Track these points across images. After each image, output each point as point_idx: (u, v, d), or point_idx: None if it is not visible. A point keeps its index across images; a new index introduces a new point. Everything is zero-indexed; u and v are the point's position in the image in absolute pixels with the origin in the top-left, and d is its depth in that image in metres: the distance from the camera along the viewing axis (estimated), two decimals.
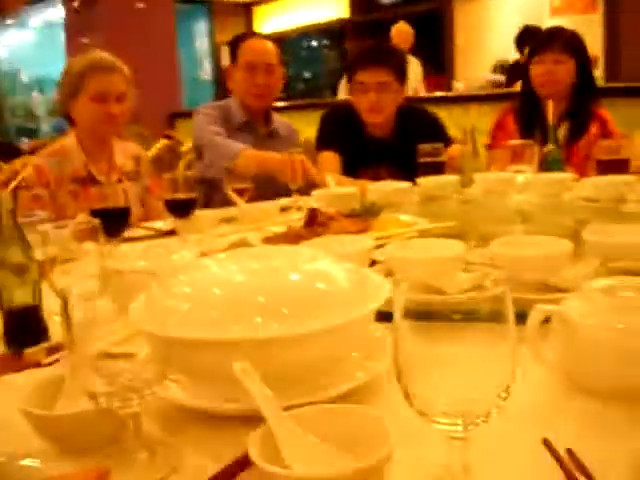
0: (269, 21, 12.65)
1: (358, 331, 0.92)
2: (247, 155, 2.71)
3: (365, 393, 0.90)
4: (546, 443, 0.76)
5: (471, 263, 1.33)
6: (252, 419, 0.72)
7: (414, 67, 6.97)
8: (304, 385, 0.86)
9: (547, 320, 0.93)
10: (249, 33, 3.44)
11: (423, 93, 6.81)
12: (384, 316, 0.94)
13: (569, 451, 0.75)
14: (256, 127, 3.06)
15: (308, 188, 2.40)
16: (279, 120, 3.19)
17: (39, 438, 0.85)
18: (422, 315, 0.65)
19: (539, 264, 1.20)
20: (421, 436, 0.74)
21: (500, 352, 0.65)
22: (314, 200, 2.08)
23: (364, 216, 1.78)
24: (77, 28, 7.89)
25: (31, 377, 1.12)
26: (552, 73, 2.96)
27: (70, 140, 2.50)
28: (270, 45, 3.05)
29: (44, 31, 11.38)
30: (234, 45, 3.07)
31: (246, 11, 12.77)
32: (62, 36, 8.83)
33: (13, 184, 1.30)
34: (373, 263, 1.41)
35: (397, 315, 0.66)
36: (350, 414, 0.73)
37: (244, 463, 0.74)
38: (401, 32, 7.05)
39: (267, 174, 2.54)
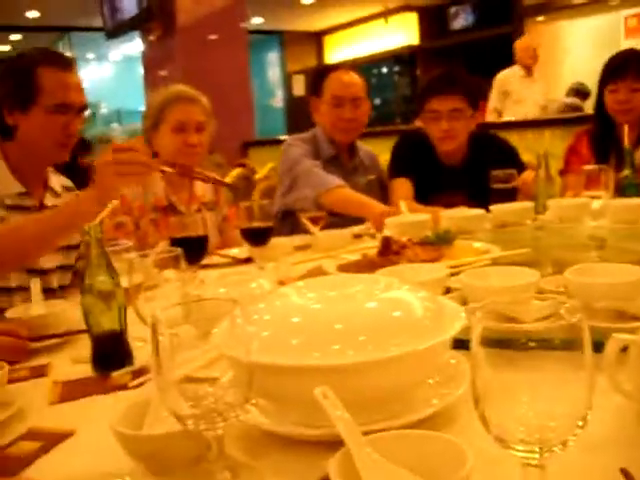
0: (339, 50, 12.79)
1: (434, 358, 0.93)
2: (341, 193, 2.75)
3: (441, 420, 0.91)
4: (624, 472, 0.76)
5: (545, 291, 1.33)
6: (332, 445, 0.75)
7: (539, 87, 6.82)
8: (381, 411, 0.88)
9: (625, 349, 0.92)
10: (335, 65, 3.42)
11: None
12: (460, 344, 0.96)
13: None
14: (342, 160, 3.06)
15: None
16: (363, 149, 3.19)
17: (128, 457, 0.89)
18: (499, 343, 0.66)
19: (614, 292, 1.19)
20: (497, 463, 0.76)
21: (577, 380, 0.65)
22: (388, 228, 2.10)
23: (437, 244, 1.79)
24: (154, 61, 8.16)
25: (117, 399, 1.17)
26: (629, 102, 2.92)
27: None
28: (357, 78, 3.04)
29: (123, 64, 11.83)
30: (319, 77, 3.07)
31: (317, 40, 12.97)
32: (140, 69, 9.15)
33: (103, 214, 1.37)
34: (448, 291, 1.43)
35: (474, 342, 0.67)
36: (427, 440, 0.75)
37: None
38: (523, 48, 6.85)
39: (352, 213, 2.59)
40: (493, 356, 0.66)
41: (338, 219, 2.60)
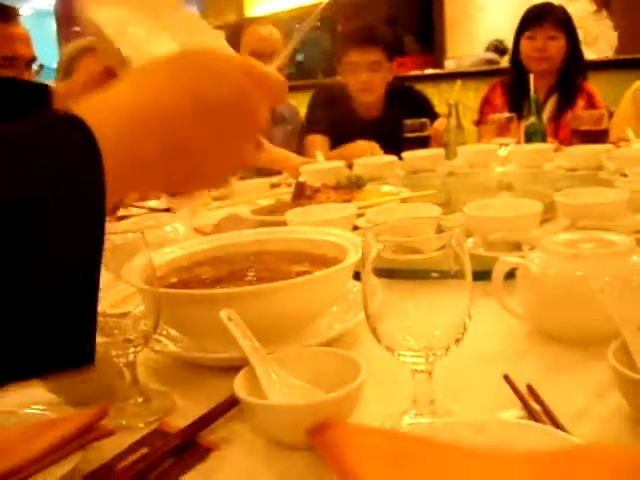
0: (260, 4, 12.61)
1: (334, 286, 0.99)
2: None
3: (344, 342, 0.97)
4: (507, 379, 0.84)
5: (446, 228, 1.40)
6: (239, 369, 0.80)
7: None
8: (286, 337, 0.93)
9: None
10: (251, 19, 3.37)
11: None
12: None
13: (528, 386, 0.82)
14: None
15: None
16: (284, 103, 3.21)
17: (43, 389, 0.92)
18: (390, 272, 0.72)
19: (509, 224, 1.27)
20: (391, 375, 0.82)
21: (459, 299, 0.72)
22: (303, 174, 2.15)
23: (349, 188, 1.85)
24: (69, 16, 7.89)
25: None
26: (545, 49, 3.01)
27: None
28: (276, 32, 3.03)
29: (34, 20, 11.39)
30: (236, 32, 3.05)
31: None
32: (52, 24, 8.84)
33: None
34: (355, 229, 1.49)
35: (367, 269, 0.72)
36: (325, 356, 0.81)
37: (231, 403, 0.82)
38: None
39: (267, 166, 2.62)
40: (384, 283, 0.72)
41: (256, 170, 2.64)
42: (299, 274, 1.02)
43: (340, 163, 2.25)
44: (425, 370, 0.74)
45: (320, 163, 2.34)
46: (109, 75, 1.25)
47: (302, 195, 1.78)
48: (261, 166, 2.62)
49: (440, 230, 0.76)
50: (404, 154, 2.35)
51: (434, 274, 0.71)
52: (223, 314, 0.81)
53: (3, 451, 0.75)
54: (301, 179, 2.00)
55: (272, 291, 0.89)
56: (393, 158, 2.35)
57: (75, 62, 2.47)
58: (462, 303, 0.72)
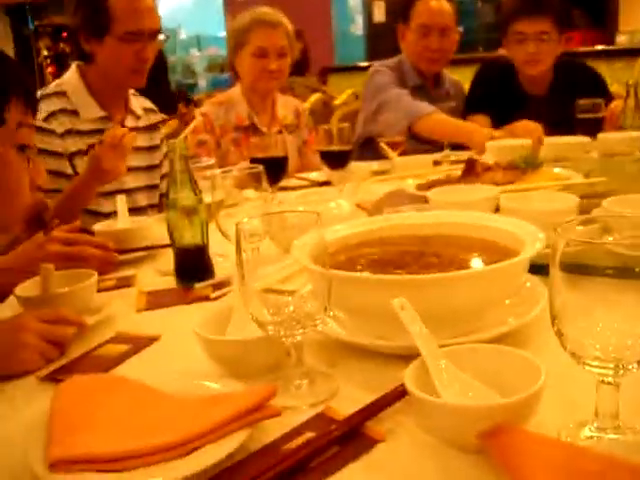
0: None
1: (511, 278, 0.94)
2: (438, 119, 2.70)
3: (516, 340, 0.92)
4: None
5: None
6: (406, 358, 0.77)
7: None
8: (458, 327, 0.89)
9: None
10: None
11: None
12: (536, 269, 0.96)
13: None
14: (428, 90, 2.99)
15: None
16: (450, 80, 3.11)
17: (211, 361, 0.94)
18: (578, 268, 0.66)
19: None
20: (571, 380, 0.76)
21: None
22: (489, 151, 2.07)
23: (523, 169, 1.76)
24: None
25: (200, 308, 1.22)
26: None
27: (236, 91, 2.62)
28: (447, 6, 2.93)
29: None
30: (408, 4, 2.98)
31: None
32: None
33: (185, 132, 1.40)
34: (497, 210, 1.43)
35: (554, 264, 0.67)
36: (501, 355, 0.76)
37: (399, 394, 0.79)
38: None
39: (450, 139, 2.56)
40: (571, 279, 0.67)
41: (416, 146, 2.59)
42: (469, 261, 0.98)
43: (527, 141, 2.15)
44: (612, 383, 0.68)
45: (507, 140, 2.25)
46: None
47: (472, 172, 1.73)
48: (443, 138, 2.58)
49: None
50: (600, 135, 2.20)
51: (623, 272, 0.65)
52: (396, 303, 0.78)
53: (177, 421, 0.77)
54: (474, 156, 1.94)
55: (451, 280, 0.85)
56: (586, 139, 2.21)
57: (247, 34, 2.50)
58: None
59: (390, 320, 0.79)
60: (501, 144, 2.17)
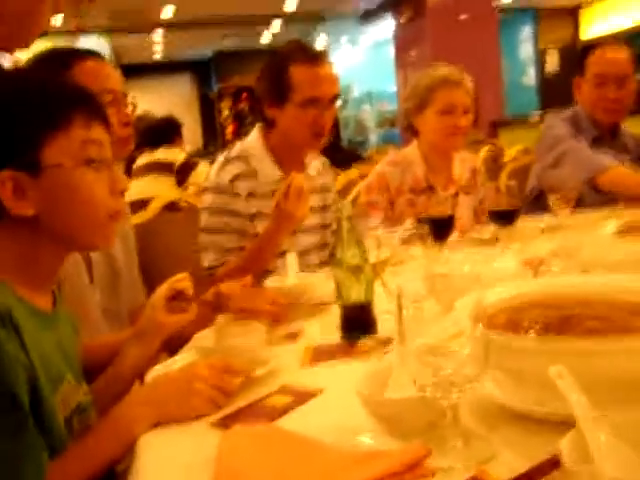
0: (597, 24, 12.04)
1: None
2: (620, 173, 2.63)
3: None
4: None
5: None
6: (566, 425, 0.76)
7: None
8: (620, 396, 0.86)
9: None
10: (589, 41, 3.22)
11: None
12: None
13: None
14: (606, 142, 2.89)
15: None
16: (627, 133, 2.99)
17: (370, 417, 0.97)
18: None
19: None
20: None
21: None
22: None
23: None
24: (405, 43, 8.28)
25: (363, 364, 1.26)
26: None
27: (413, 151, 2.62)
28: (623, 54, 2.86)
29: (374, 47, 12.12)
30: (583, 54, 2.93)
31: (572, 15, 12.31)
32: (390, 51, 9.32)
33: (354, 192, 1.46)
34: None
35: None
36: None
37: (555, 464, 0.78)
38: None
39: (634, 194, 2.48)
40: None
41: (589, 201, 2.51)
42: (635, 328, 0.95)
43: None
44: None
45: None
46: None
47: None
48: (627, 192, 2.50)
49: None
50: None
51: None
52: (553, 371, 0.78)
53: (332, 474, 0.81)
54: None
55: (612, 348, 0.83)
56: None
57: (431, 93, 2.53)
58: None
59: (548, 385, 0.79)
60: None
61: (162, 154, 4.43)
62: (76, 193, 1.14)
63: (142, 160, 4.44)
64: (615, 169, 2.62)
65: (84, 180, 1.14)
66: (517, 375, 0.94)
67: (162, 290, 1.38)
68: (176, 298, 1.37)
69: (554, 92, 9.71)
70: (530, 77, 11.86)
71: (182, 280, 1.40)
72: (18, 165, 1.08)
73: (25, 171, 1.09)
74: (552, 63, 11.25)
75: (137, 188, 3.73)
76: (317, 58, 2.13)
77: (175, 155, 4.47)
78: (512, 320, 1.03)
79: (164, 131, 4.60)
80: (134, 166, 4.44)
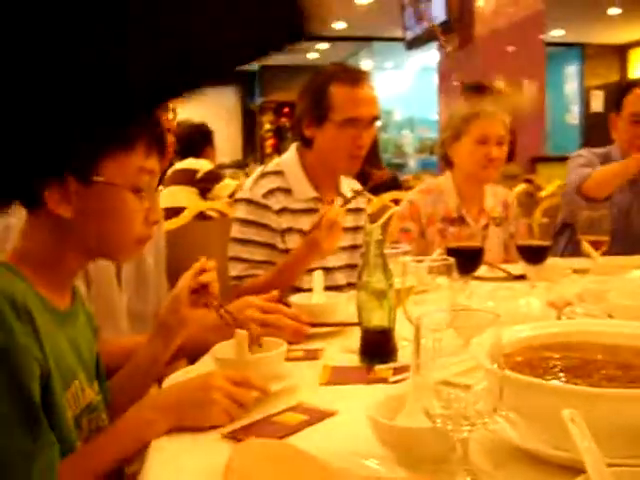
0: None
1: None
2: (600, 171, 2.72)
3: None
4: None
5: None
6: (575, 470, 0.76)
7: None
8: (633, 446, 0.86)
9: None
10: (636, 80, 3.27)
11: None
12: None
13: None
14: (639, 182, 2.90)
15: None
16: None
17: (380, 444, 0.97)
18: None
19: None
20: None
21: None
22: None
23: None
24: (450, 71, 8.27)
25: (377, 390, 1.26)
26: None
27: (446, 181, 2.64)
28: None
29: (418, 74, 12.16)
30: (622, 92, 2.96)
31: (620, 53, 12.22)
32: (434, 79, 9.33)
33: (385, 216, 1.47)
34: None
35: None
36: None
37: None
38: None
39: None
40: None
41: (621, 248, 2.49)
42: None
43: None
44: None
45: None
46: None
47: None
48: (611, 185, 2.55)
49: None
50: None
51: None
52: (566, 414, 0.78)
53: None
54: None
55: (628, 398, 0.83)
56: None
57: (468, 124, 2.55)
58: None
59: (560, 429, 0.79)
60: None
61: (186, 164, 4.30)
62: (115, 214, 1.18)
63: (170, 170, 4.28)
64: (595, 172, 2.71)
65: (127, 205, 1.18)
66: (530, 415, 0.94)
67: (186, 280, 1.38)
68: (199, 292, 1.38)
69: (598, 132, 9.64)
70: (574, 115, 11.79)
71: (208, 271, 1.39)
72: (73, 169, 1.11)
73: (77, 177, 1.11)
74: (597, 102, 11.17)
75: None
76: (358, 79, 2.15)
77: (200, 165, 4.31)
78: (529, 361, 1.03)
79: (194, 140, 4.48)
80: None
